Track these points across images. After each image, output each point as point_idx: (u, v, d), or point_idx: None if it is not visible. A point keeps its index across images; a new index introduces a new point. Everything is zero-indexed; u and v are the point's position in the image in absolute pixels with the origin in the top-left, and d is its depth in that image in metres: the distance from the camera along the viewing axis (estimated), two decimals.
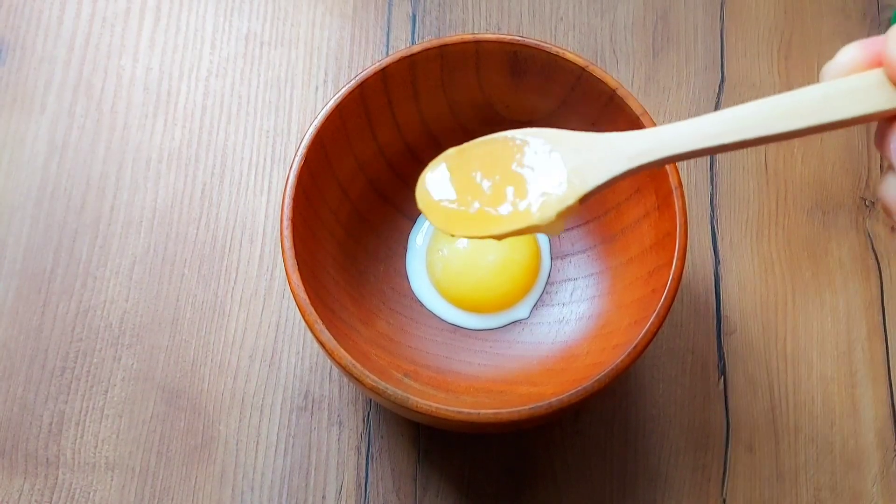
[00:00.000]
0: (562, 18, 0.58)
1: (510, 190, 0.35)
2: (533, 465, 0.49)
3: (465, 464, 0.49)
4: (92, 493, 0.48)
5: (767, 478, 0.49)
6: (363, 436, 0.49)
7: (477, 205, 0.35)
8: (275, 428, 0.49)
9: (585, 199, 0.33)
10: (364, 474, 0.49)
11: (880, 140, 0.30)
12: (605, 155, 0.33)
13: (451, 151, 0.37)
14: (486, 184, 0.35)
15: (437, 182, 0.36)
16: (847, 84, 0.30)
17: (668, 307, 0.41)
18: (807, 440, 0.50)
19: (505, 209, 0.34)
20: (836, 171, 0.55)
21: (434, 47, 0.45)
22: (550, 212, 0.34)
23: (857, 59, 0.30)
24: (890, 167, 0.30)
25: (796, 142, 0.55)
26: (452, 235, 0.35)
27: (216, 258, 0.52)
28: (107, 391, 0.50)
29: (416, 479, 0.49)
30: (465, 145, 0.37)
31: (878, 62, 0.29)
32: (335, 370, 0.50)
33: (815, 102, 0.30)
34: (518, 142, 0.35)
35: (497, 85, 0.48)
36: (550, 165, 0.34)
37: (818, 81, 0.30)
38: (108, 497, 0.48)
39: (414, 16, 0.58)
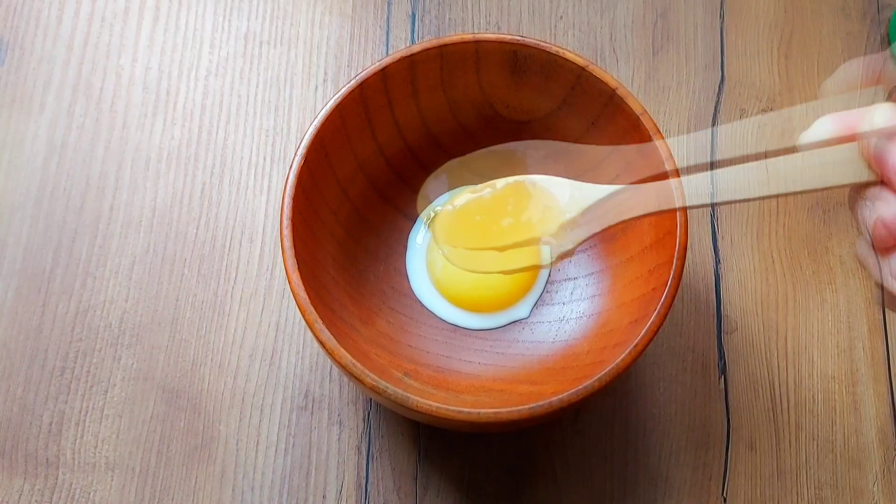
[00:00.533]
0: (561, 17, 0.58)
1: (512, 202, 0.34)
2: (533, 464, 0.49)
3: (465, 463, 0.49)
4: (92, 494, 0.48)
5: (768, 476, 0.49)
6: (363, 435, 0.49)
7: (478, 217, 0.35)
8: (275, 428, 0.49)
9: (588, 212, 0.33)
10: (364, 474, 0.49)
11: (851, 205, 0.33)
12: None
13: (454, 162, 0.36)
14: (487, 194, 0.35)
15: (438, 193, 0.36)
16: (823, 158, 0.32)
17: (669, 306, 0.41)
18: (808, 438, 0.50)
19: (506, 221, 0.34)
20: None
21: (434, 47, 0.45)
22: (553, 224, 0.33)
23: (831, 131, 0.32)
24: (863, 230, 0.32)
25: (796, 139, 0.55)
26: (454, 248, 0.35)
27: (216, 258, 0.52)
28: (107, 391, 0.50)
29: (417, 479, 0.49)
30: (468, 156, 0.36)
31: (850, 135, 0.32)
32: (335, 370, 0.50)
33: (796, 171, 0.32)
34: (520, 154, 0.35)
35: (497, 85, 0.48)
36: (552, 176, 0.34)
37: (817, 84, 0.31)
38: (108, 497, 0.48)
39: (413, 15, 0.58)
